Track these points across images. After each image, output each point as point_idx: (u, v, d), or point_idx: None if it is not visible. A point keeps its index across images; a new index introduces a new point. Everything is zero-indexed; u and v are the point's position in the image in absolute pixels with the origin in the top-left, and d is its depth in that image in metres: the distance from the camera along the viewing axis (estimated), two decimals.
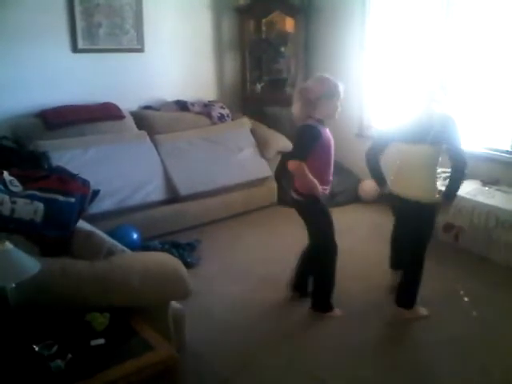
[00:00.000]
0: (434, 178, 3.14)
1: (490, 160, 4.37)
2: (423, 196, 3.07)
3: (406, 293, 3.21)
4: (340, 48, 5.44)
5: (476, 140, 4.54)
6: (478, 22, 4.35)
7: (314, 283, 3.29)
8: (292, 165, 2.93)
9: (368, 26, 5.19)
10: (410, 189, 3.10)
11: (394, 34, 5.04)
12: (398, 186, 3.17)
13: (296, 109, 2.99)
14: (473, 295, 3.44)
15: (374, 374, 2.71)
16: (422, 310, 3.24)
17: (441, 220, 4.17)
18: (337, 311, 3.25)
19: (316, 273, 3.27)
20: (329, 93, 2.92)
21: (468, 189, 4.20)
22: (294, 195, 3.13)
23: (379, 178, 3.26)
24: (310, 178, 2.93)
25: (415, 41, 4.85)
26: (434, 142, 2.96)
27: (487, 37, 4.30)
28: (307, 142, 2.93)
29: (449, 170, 4.44)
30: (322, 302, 3.25)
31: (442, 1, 4.53)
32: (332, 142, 3.05)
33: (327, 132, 3.02)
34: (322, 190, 3.01)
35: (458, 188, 3.13)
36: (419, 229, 3.14)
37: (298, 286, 3.45)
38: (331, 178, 3.12)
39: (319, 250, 3.19)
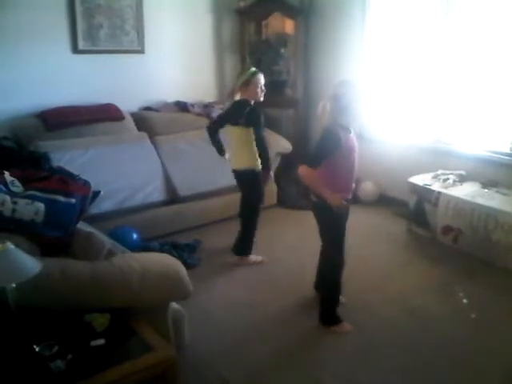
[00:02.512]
0: None
1: (490, 162, 4.38)
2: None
3: None
4: (340, 50, 5.45)
5: (475, 142, 4.55)
6: (477, 24, 4.37)
7: (323, 294, 3.24)
8: (302, 170, 2.87)
9: (368, 28, 5.20)
10: None
11: (394, 35, 5.06)
12: None
13: (324, 116, 2.92)
14: (472, 297, 3.44)
15: (373, 376, 2.70)
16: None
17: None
18: (346, 326, 3.13)
19: (325, 284, 3.23)
20: (357, 97, 2.91)
21: (467, 191, 4.21)
22: (312, 197, 3.08)
23: None
24: (317, 185, 2.91)
25: (415, 41, 4.87)
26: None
27: (487, 39, 4.31)
28: (325, 150, 2.88)
29: (448, 171, 4.50)
30: (329, 316, 3.16)
31: (441, 4, 4.55)
32: (356, 148, 2.99)
33: (351, 138, 2.95)
34: (342, 197, 2.94)
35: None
36: None
37: (318, 284, 3.47)
38: (353, 184, 3.08)
39: (330, 261, 3.15)
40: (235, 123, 3.73)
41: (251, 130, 3.72)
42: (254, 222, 3.99)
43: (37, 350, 1.94)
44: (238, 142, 3.80)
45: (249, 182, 3.89)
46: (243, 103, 3.72)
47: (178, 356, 2.16)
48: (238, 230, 4.04)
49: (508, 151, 4.28)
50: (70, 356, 1.93)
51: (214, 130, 3.91)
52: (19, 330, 2.00)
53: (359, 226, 4.75)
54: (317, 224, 3.13)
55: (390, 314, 3.27)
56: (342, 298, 3.25)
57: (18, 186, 2.76)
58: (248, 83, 3.71)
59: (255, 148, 3.77)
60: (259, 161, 3.81)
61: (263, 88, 3.75)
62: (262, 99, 3.77)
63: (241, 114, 3.69)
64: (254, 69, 3.81)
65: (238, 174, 3.91)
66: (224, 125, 3.86)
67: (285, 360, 2.83)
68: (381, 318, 3.23)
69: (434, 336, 3.04)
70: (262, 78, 3.75)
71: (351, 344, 2.97)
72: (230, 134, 3.82)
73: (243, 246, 4.03)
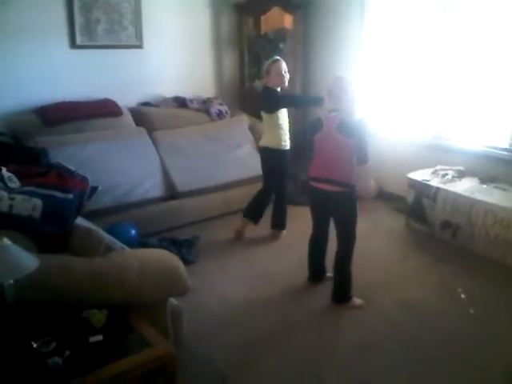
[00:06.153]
0: None
1: (488, 157, 4.38)
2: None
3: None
4: (339, 44, 5.44)
5: (474, 137, 4.54)
6: (476, 19, 4.35)
7: (340, 276, 3.31)
8: (367, 169, 3.19)
9: (367, 22, 5.18)
10: None
11: (392, 29, 5.04)
12: None
13: (350, 104, 3.12)
14: (470, 293, 3.45)
15: (374, 372, 2.70)
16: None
17: None
18: (357, 301, 3.30)
19: (344, 265, 3.28)
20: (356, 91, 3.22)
21: (466, 186, 4.21)
22: (329, 187, 3.17)
23: None
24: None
25: (414, 37, 4.85)
26: None
27: (486, 34, 4.30)
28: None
29: (447, 167, 4.49)
30: (347, 293, 3.30)
31: (440, 0, 4.54)
32: None
33: None
34: None
35: None
36: None
37: (316, 275, 3.57)
38: None
39: (350, 241, 3.26)
40: (261, 109, 4.13)
41: (274, 114, 4.03)
42: (282, 196, 4.34)
43: (34, 346, 1.94)
44: (264, 124, 4.19)
45: (269, 159, 4.22)
46: (267, 91, 4.03)
47: (177, 351, 2.16)
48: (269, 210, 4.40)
49: (507, 146, 4.27)
50: (67, 352, 1.92)
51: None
52: (17, 326, 1.99)
53: (358, 222, 4.75)
54: (335, 213, 3.27)
55: (390, 309, 3.28)
56: (358, 301, 3.32)
57: (15, 182, 2.76)
58: (268, 71, 3.99)
59: (279, 130, 4.07)
60: (285, 142, 4.13)
61: (284, 75, 4.00)
62: (285, 85, 4.06)
63: (264, 102, 4.07)
64: (275, 57, 4.09)
65: (261, 151, 4.29)
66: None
67: (284, 356, 2.83)
68: (380, 313, 3.23)
69: (433, 331, 3.04)
70: (282, 66, 3.99)
71: (351, 340, 2.97)
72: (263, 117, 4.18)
73: (277, 219, 4.36)
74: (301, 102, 4.52)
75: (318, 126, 3.19)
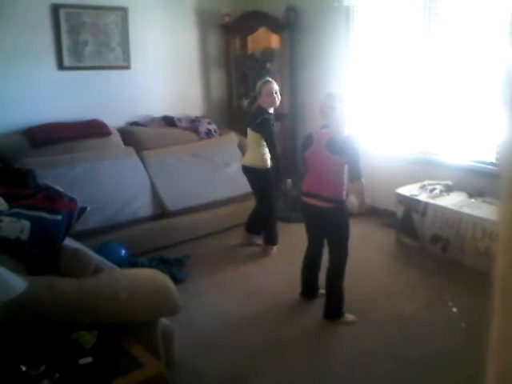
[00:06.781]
0: None
1: (475, 172, 4.41)
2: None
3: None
4: (325, 63, 5.49)
5: (461, 152, 4.58)
6: (461, 35, 4.42)
7: (332, 292, 3.30)
8: (359, 185, 3.18)
9: (353, 41, 5.26)
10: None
11: (378, 47, 5.10)
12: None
13: (339, 121, 3.14)
14: (461, 306, 3.45)
15: None
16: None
17: None
18: (350, 317, 3.29)
19: (336, 281, 3.28)
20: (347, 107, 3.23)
21: (454, 201, 4.23)
22: (319, 203, 3.18)
23: None
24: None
25: (399, 54, 4.92)
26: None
27: (470, 50, 4.37)
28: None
29: (435, 181, 4.52)
30: (339, 310, 3.29)
31: (424, 18, 4.61)
32: None
33: None
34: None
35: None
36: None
37: (308, 291, 3.55)
38: None
39: (341, 258, 3.25)
40: (249, 126, 4.23)
41: (260, 135, 4.13)
42: (270, 213, 4.33)
43: (23, 369, 1.91)
44: (250, 143, 4.28)
45: (256, 178, 4.30)
46: (259, 111, 4.12)
47: (168, 371, 2.13)
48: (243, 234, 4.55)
49: (493, 161, 4.31)
50: (57, 375, 1.90)
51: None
52: (6, 348, 1.96)
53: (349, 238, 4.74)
54: (326, 229, 3.26)
55: (381, 323, 3.27)
56: (350, 317, 3.31)
57: (2, 204, 2.74)
58: (260, 92, 4.11)
59: (263, 150, 4.16)
60: (266, 161, 4.20)
61: (275, 95, 4.09)
62: (276, 105, 4.17)
63: (254, 120, 4.12)
64: (266, 78, 4.21)
65: (246, 169, 4.34)
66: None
67: (276, 373, 2.81)
68: (372, 328, 3.22)
69: (424, 345, 3.03)
70: (272, 87, 4.10)
71: (343, 355, 2.96)
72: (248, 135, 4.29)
73: (268, 235, 4.42)
74: (272, 148, 4.17)
75: (309, 141, 3.22)
